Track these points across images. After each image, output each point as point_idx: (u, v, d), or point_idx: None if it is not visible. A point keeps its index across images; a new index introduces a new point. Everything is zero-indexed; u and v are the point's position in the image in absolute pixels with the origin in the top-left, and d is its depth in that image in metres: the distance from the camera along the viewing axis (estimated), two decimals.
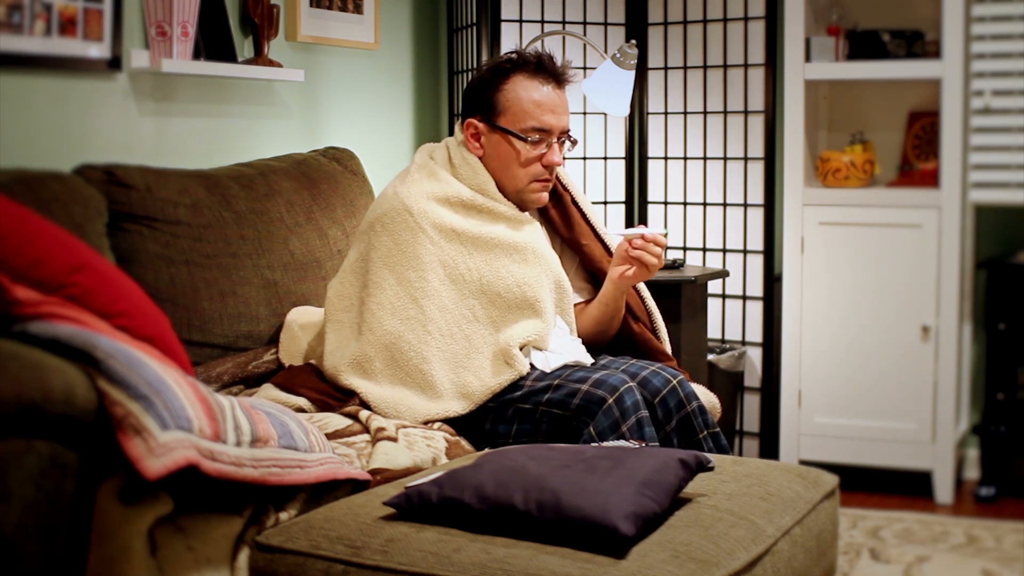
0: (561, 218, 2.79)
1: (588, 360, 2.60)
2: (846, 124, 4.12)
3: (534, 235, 2.64)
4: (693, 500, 1.96)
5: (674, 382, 2.50)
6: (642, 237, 2.59)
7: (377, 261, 2.57)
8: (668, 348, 2.81)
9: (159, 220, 2.62)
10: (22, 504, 1.64)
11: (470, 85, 2.72)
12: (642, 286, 2.83)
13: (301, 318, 2.78)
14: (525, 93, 2.62)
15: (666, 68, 4.14)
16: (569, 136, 2.68)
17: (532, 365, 2.53)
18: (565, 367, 2.52)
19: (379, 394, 2.49)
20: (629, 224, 4.18)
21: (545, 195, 2.69)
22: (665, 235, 2.63)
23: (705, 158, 4.10)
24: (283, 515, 1.95)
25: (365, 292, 2.57)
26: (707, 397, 2.71)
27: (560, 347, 2.58)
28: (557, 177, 2.76)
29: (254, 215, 2.83)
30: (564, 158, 2.69)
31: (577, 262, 2.82)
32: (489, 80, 2.66)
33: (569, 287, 2.68)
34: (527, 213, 2.69)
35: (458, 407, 2.48)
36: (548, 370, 2.51)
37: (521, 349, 2.53)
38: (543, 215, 2.78)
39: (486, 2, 3.84)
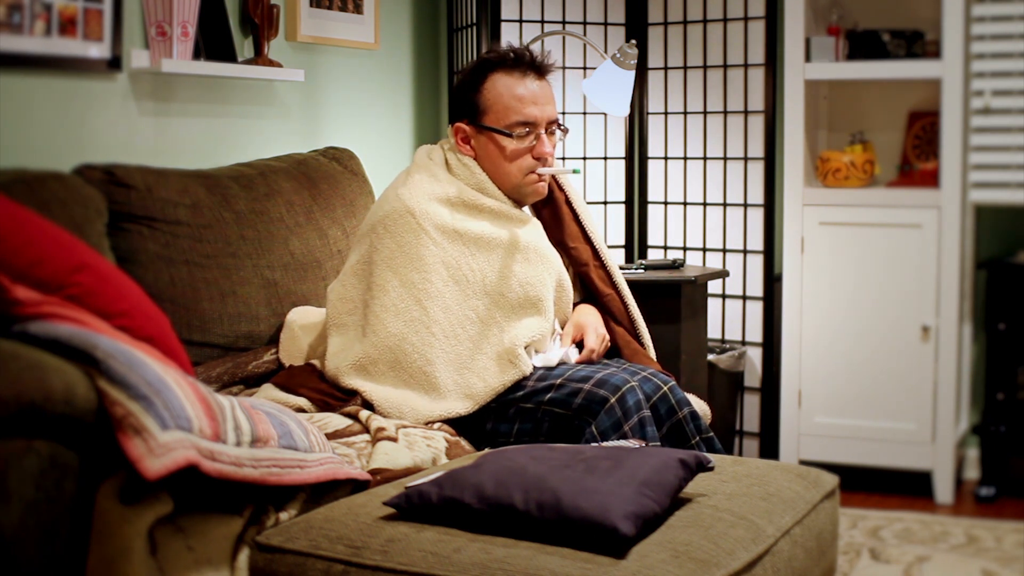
0: (551, 218, 2.77)
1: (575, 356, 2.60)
2: (846, 124, 4.12)
3: (535, 234, 2.64)
4: (693, 500, 1.96)
5: (664, 388, 2.47)
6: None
7: (380, 263, 2.56)
8: (652, 353, 2.77)
9: (159, 220, 2.62)
10: (22, 504, 1.64)
11: (453, 89, 2.72)
12: (627, 293, 2.78)
13: (301, 318, 2.78)
14: (505, 89, 2.62)
15: (666, 68, 4.14)
16: (559, 125, 2.68)
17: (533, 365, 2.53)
18: (566, 366, 2.52)
19: (382, 394, 2.49)
20: (629, 226, 4.18)
21: (543, 186, 2.67)
22: (576, 171, 2.64)
23: (705, 158, 4.10)
24: (283, 515, 1.95)
25: (369, 295, 2.56)
26: (698, 404, 2.68)
27: (551, 350, 2.59)
28: (555, 178, 2.75)
29: (254, 215, 2.83)
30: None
31: (564, 261, 2.81)
32: (469, 82, 2.66)
33: (570, 285, 2.68)
34: (527, 211, 2.68)
35: (461, 408, 2.48)
36: (551, 365, 2.51)
37: (525, 349, 2.53)
38: (534, 215, 2.77)
39: (486, 2, 3.84)
